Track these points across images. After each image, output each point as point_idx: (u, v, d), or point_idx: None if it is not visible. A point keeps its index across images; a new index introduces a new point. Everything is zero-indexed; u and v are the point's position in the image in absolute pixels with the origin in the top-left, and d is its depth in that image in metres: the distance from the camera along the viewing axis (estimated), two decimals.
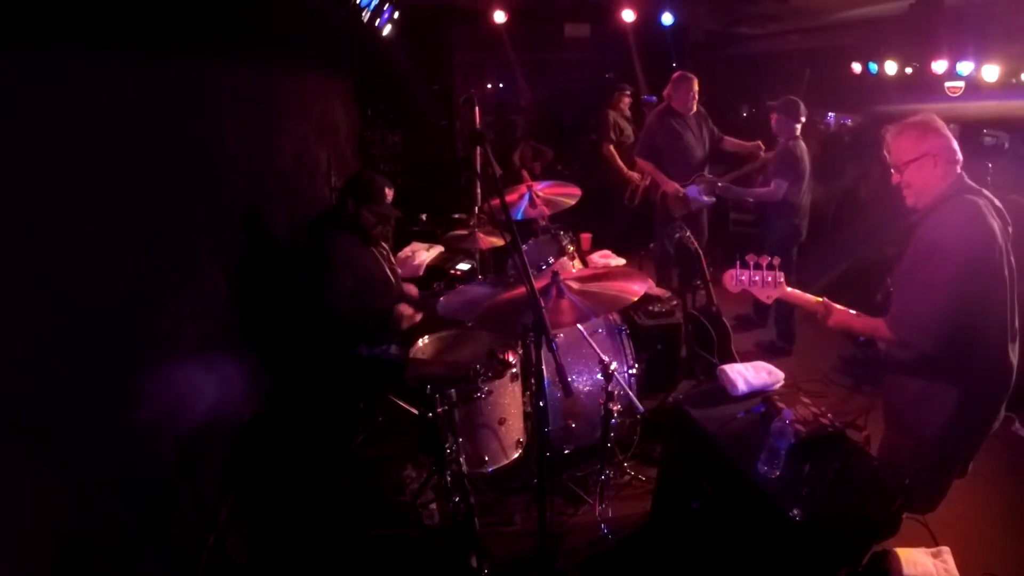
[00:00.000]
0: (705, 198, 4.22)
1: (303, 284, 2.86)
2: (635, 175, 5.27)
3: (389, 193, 2.84)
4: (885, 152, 2.03)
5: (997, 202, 1.91)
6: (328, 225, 2.84)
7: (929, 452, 1.99)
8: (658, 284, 4.23)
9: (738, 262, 2.24)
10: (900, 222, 2.15)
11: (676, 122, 4.24)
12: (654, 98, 6.56)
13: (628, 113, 5.59)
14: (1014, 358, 1.94)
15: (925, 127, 1.93)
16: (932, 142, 1.90)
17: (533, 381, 1.91)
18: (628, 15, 5.43)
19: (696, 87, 4.19)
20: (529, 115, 6.71)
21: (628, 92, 5.53)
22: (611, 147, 5.46)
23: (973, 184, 1.91)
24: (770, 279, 2.22)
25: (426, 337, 2.76)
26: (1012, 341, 1.93)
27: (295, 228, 3.51)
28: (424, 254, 4.36)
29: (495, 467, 2.48)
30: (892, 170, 2.00)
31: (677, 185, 4.20)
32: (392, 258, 3.15)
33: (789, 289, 2.22)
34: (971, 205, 1.85)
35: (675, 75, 4.25)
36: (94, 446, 1.70)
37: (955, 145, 1.92)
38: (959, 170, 1.92)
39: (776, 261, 2.21)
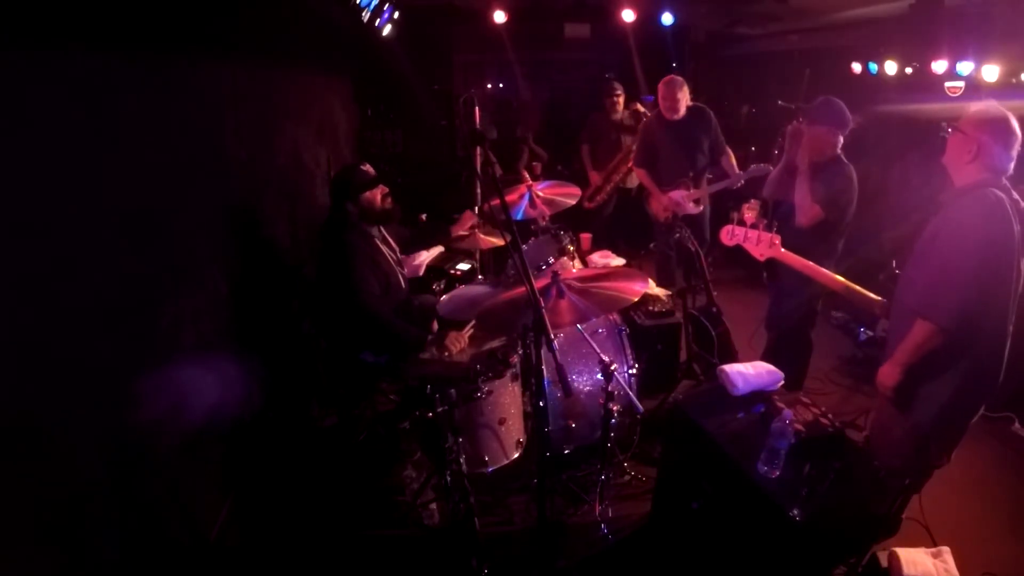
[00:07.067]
0: (690, 205, 4.18)
1: (328, 290, 2.82)
2: (596, 177, 5.30)
3: (367, 168, 2.86)
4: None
5: (1022, 204, 1.91)
6: (339, 230, 2.80)
7: (921, 434, 2.02)
8: (659, 285, 4.23)
9: (735, 219, 2.28)
10: (902, 221, 2.16)
11: (664, 128, 4.16)
12: (653, 98, 6.56)
13: (617, 115, 5.30)
14: (1005, 360, 1.96)
15: (994, 123, 1.89)
16: (985, 137, 1.88)
17: (533, 381, 1.91)
18: (628, 15, 5.41)
19: (677, 91, 4.02)
20: (528, 115, 6.70)
21: (617, 93, 5.26)
22: (584, 147, 5.44)
23: (1006, 183, 1.91)
24: (765, 239, 2.24)
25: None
26: (1006, 342, 1.95)
27: (295, 228, 3.51)
28: (424, 254, 4.35)
29: (495, 467, 2.48)
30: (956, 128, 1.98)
31: (665, 197, 4.17)
32: (399, 258, 3.11)
33: (783, 250, 2.25)
34: (996, 198, 1.85)
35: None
36: (94, 446, 1.70)
37: (1008, 157, 1.89)
38: (995, 178, 1.90)
39: (775, 225, 2.25)
